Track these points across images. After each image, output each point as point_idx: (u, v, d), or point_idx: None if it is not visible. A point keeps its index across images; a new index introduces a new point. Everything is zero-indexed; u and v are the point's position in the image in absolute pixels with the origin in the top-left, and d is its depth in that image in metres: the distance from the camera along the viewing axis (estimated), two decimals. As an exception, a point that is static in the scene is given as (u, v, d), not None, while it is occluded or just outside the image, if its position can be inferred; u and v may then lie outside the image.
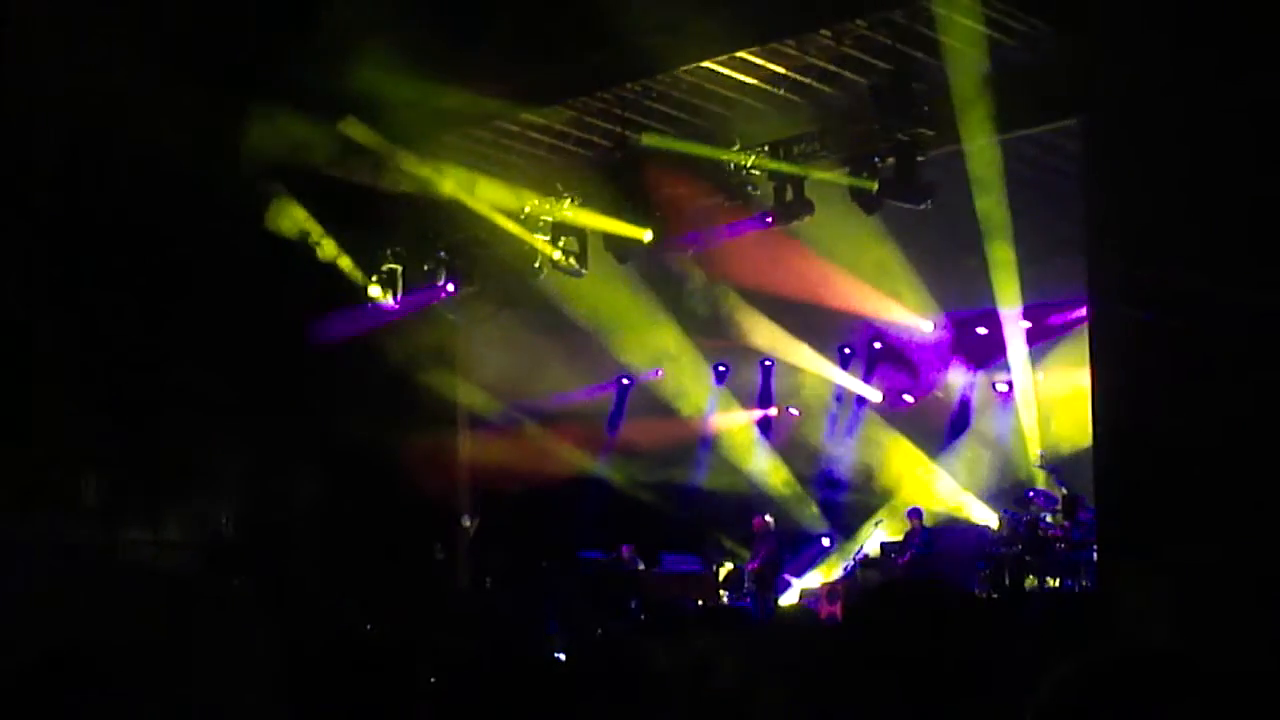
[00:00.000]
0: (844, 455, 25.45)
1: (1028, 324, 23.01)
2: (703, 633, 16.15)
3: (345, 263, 23.28)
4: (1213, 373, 15.37)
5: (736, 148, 21.25)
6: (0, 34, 20.90)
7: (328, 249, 22.99)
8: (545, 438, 24.56)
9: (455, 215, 22.69)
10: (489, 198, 22.33)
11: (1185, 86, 15.66)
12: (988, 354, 24.22)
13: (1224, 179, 15.37)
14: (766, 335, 25.05)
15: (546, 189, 22.21)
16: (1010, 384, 24.12)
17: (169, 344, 22.06)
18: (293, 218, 22.41)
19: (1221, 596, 14.29)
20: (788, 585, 23.15)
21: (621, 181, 22.04)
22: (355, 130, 20.65)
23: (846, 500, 24.92)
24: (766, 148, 21.16)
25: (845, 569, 23.17)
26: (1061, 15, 18.11)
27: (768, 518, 23.40)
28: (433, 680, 9.08)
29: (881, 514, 23.82)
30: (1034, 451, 22.91)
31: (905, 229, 21.47)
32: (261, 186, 21.57)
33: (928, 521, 22.59)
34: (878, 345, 25.12)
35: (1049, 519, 20.63)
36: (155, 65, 19.81)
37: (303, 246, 22.75)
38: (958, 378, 24.76)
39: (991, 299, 22.23)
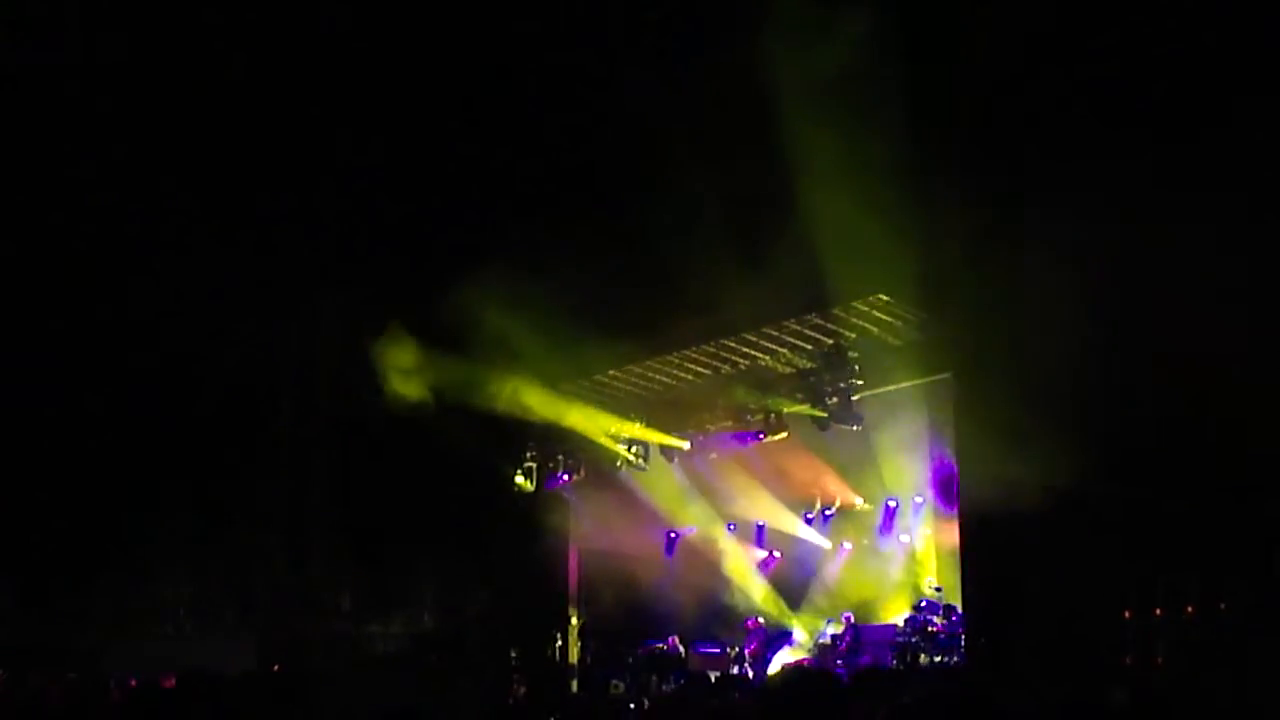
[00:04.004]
0: (808, 580, 25.24)
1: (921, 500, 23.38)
2: (720, 691, 17.93)
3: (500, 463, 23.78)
4: (1032, 536, 16.56)
5: (741, 390, 21.99)
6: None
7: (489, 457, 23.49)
8: (623, 568, 24.63)
9: (567, 432, 23.22)
10: (589, 421, 23.02)
11: (1015, 352, 16.43)
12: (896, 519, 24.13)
13: (1044, 413, 15.81)
14: (763, 506, 25.34)
15: (624, 415, 23.25)
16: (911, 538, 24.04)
17: (395, 513, 22.94)
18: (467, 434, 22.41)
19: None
20: (771, 662, 22.99)
21: (670, 411, 23.14)
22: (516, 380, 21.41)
23: (808, 609, 24.76)
24: (759, 390, 21.84)
25: (810, 651, 23.35)
26: (938, 311, 18.97)
27: (760, 619, 23.97)
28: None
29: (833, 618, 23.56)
30: (926, 580, 23.03)
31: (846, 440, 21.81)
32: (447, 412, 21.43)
33: (856, 622, 22.71)
34: (828, 513, 25.25)
35: (934, 619, 21.10)
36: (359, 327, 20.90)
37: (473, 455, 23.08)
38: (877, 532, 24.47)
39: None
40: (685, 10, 17.29)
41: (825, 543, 25.41)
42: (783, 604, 25.23)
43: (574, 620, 24.63)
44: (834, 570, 25.02)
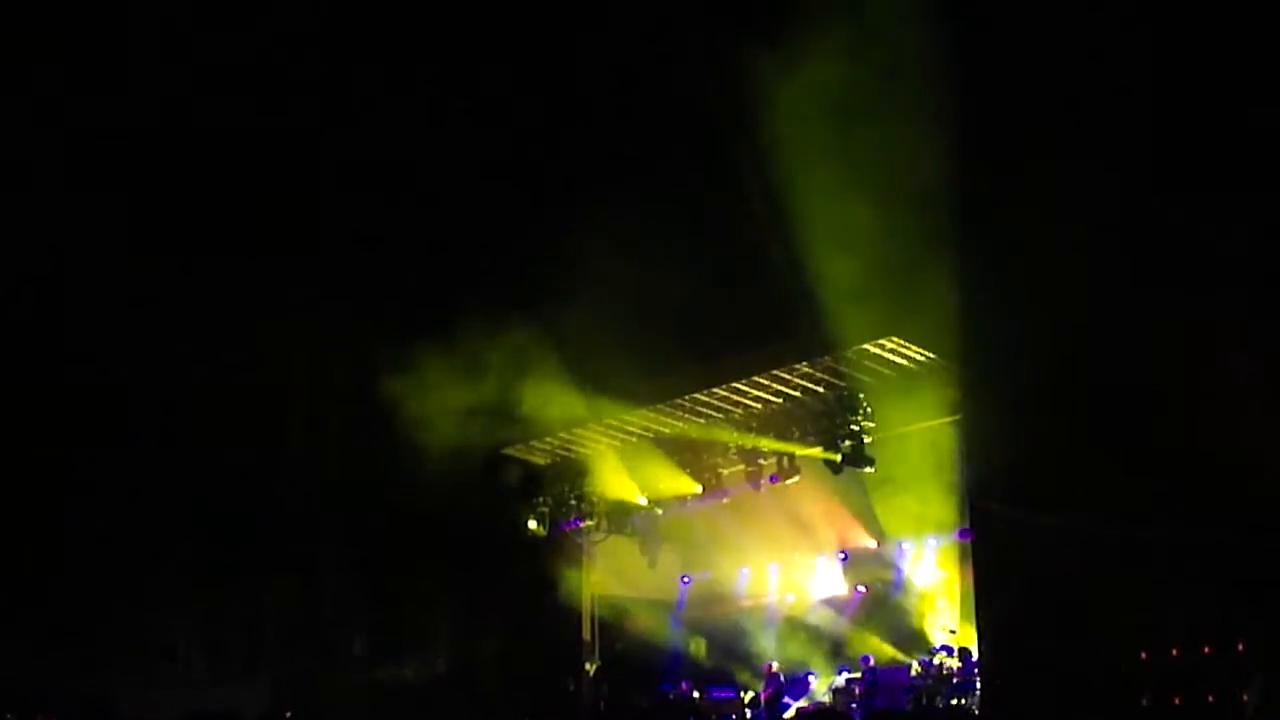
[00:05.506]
0: (822, 624, 24.83)
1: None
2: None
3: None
4: (1042, 574, 16.62)
5: (754, 434, 21.96)
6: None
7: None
8: (637, 612, 24.55)
9: (580, 475, 23.45)
10: (602, 465, 23.18)
11: (1028, 393, 16.62)
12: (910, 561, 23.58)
13: (1058, 453, 16.18)
14: (776, 550, 25.24)
15: (637, 458, 23.10)
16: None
17: (408, 555, 22.87)
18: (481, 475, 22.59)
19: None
20: (787, 707, 22.70)
21: (682, 455, 23.11)
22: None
23: (823, 653, 24.29)
24: (772, 434, 21.80)
25: (825, 695, 22.96)
26: (945, 351, 19.11)
27: (775, 663, 23.50)
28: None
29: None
30: (941, 622, 22.40)
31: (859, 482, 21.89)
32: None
33: (874, 664, 22.23)
34: (843, 556, 24.62)
35: (949, 662, 20.87)
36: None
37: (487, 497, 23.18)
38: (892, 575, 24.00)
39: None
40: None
41: (841, 586, 25.13)
42: (798, 647, 25.00)
43: (587, 664, 24.44)
44: (849, 613, 24.75)
